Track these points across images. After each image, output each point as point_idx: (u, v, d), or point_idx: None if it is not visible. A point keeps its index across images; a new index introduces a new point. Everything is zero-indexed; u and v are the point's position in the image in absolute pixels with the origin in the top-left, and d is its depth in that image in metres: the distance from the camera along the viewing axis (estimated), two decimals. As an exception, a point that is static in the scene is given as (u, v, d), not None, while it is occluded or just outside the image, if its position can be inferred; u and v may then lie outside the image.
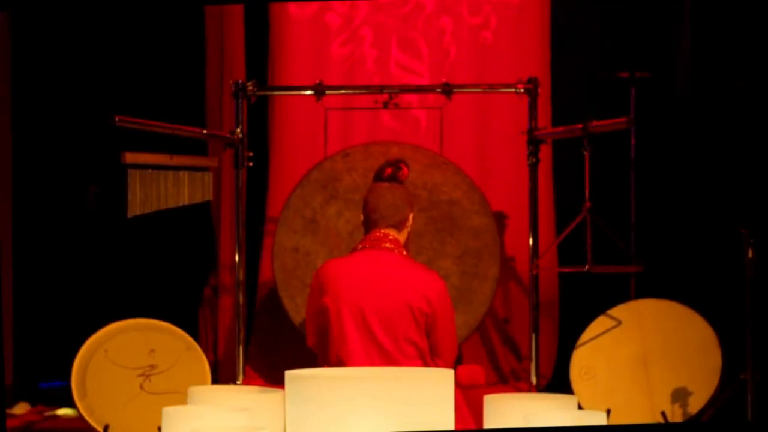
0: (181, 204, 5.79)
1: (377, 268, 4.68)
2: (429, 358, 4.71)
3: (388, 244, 4.71)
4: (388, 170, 4.85)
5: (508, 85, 6.04)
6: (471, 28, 6.50)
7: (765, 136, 6.25)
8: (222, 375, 6.27)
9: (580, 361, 5.71)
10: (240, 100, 5.93)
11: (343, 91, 6.23)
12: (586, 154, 5.78)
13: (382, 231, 4.74)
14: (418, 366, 4.67)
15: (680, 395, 5.62)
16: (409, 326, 4.65)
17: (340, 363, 4.65)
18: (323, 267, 4.82)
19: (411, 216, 4.79)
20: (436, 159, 6.02)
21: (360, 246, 4.76)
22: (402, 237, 4.77)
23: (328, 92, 6.01)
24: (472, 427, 4.76)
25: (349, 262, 4.73)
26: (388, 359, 4.63)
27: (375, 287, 4.66)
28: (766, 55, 6.18)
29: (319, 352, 4.82)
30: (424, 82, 6.43)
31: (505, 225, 6.33)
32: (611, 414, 5.38)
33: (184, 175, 5.78)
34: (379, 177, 4.85)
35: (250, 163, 5.96)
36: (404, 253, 4.75)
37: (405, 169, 4.88)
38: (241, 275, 5.94)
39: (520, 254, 6.30)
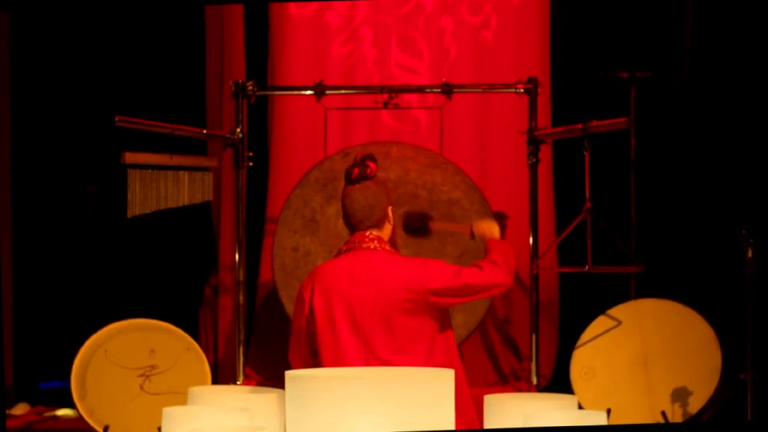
0: (181, 204, 5.81)
1: (363, 269, 4.69)
2: (430, 341, 4.71)
3: (370, 244, 4.74)
4: (356, 171, 4.85)
5: (508, 85, 6.07)
6: (471, 28, 6.52)
7: (765, 136, 6.26)
8: (222, 375, 6.29)
9: (580, 361, 5.72)
10: (240, 100, 5.95)
11: (343, 91, 6.24)
12: (586, 154, 5.80)
13: (366, 232, 4.76)
14: (415, 362, 4.66)
15: (680, 395, 5.63)
16: (404, 320, 4.65)
17: (337, 364, 4.65)
18: (313, 272, 4.83)
19: (390, 209, 4.81)
20: (436, 159, 6.03)
21: (344, 248, 4.77)
22: (385, 233, 4.78)
23: (328, 92, 6.01)
24: (471, 425, 4.76)
25: (335, 265, 4.74)
26: (386, 358, 4.63)
27: (363, 287, 4.67)
28: (767, 55, 6.19)
29: (305, 360, 4.79)
30: (424, 81, 6.44)
31: (505, 225, 6.33)
32: (611, 414, 5.39)
33: (184, 175, 5.80)
34: (349, 180, 4.86)
35: (250, 163, 5.98)
36: (388, 248, 4.76)
37: (372, 165, 4.87)
38: (241, 275, 5.97)
39: (520, 254, 6.28)
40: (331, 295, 4.65)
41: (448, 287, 4.69)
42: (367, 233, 4.73)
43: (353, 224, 4.75)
